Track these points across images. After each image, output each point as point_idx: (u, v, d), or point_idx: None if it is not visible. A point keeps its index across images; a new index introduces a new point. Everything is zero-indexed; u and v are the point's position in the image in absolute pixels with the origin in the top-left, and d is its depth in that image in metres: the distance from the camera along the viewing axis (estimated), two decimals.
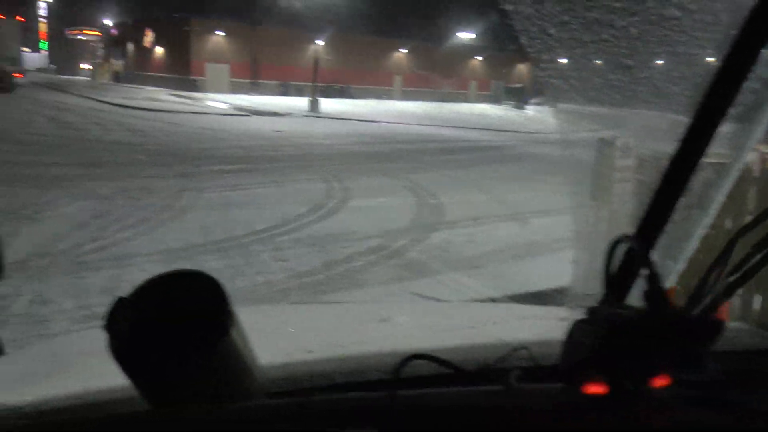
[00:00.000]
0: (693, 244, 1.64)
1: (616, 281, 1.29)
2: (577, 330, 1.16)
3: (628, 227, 2.29)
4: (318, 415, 1.00)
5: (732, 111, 1.25)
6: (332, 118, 32.38)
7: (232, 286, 2.01)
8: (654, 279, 1.17)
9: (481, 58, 60.71)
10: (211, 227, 8.76)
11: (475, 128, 31.32)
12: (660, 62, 1.54)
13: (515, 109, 48.75)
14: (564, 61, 1.48)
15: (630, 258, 1.29)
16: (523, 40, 1.40)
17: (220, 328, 0.96)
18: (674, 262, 1.62)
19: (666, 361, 1.14)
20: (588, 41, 1.46)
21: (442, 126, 31.85)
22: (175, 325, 0.97)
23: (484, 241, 8.90)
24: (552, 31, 1.41)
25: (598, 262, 1.36)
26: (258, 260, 7.36)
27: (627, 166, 6.39)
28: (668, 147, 1.31)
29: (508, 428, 1.06)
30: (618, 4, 1.42)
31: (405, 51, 57.01)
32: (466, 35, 57.54)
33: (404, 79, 57.17)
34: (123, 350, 0.93)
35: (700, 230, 1.62)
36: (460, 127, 31.54)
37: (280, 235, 8.54)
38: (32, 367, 1.68)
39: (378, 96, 51.39)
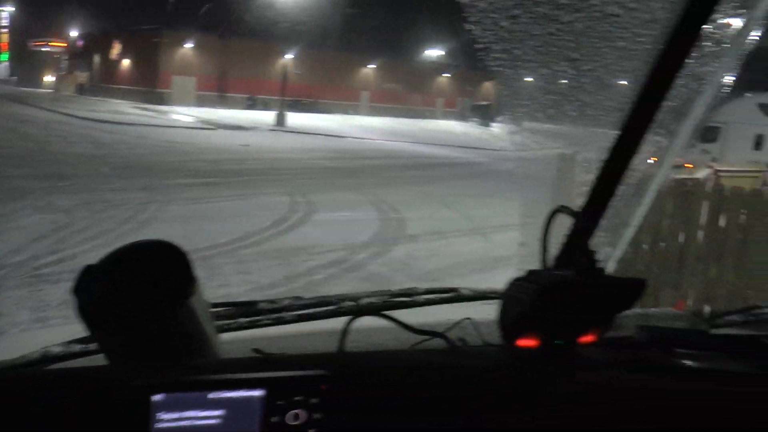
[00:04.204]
0: (630, 232, 1.78)
1: (560, 249, 1.38)
2: (514, 287, 1.25)
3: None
4: (273, 365, 1.07)
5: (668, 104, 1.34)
6: (298, 132, 32.33)
7: None
8: (584, 243, 1.27)
9: (448, 76, 61.06)
10: (173, 240, 8.68)
11: (440, 144, 31.53)
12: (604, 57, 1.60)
13: (481, 126, 49.08)
14: (517, 52, 1.54)
15: (570, 228, 1.38)
16: (476, 31, 1.46)
17: (182, 292, 1.05)
18: (613, 248, 1.77)
19: (594, 320, 1.25)
20: (537, 34, 1.52)
21: (409, 142, 31.99)
22: (140, 289, 1.04)
23: (446, 255, 8.97)
24: (504, 23, 1.47)
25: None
26: (219, 273, 7.32)
27: (588, 180, 6.47)
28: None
29: (447, 383, 1.14)
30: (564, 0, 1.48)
31: (373, 67, 57.18)
32: (433, 52, 57.99)
33: (371, 95, 57.29)
34: (91, 312, 1.01)
35: (636, 219, 1.77)
36: (425, 143, 31.72)
37: (244, 248, 8.51)
38: None
39: (345, 111, 51.42)
